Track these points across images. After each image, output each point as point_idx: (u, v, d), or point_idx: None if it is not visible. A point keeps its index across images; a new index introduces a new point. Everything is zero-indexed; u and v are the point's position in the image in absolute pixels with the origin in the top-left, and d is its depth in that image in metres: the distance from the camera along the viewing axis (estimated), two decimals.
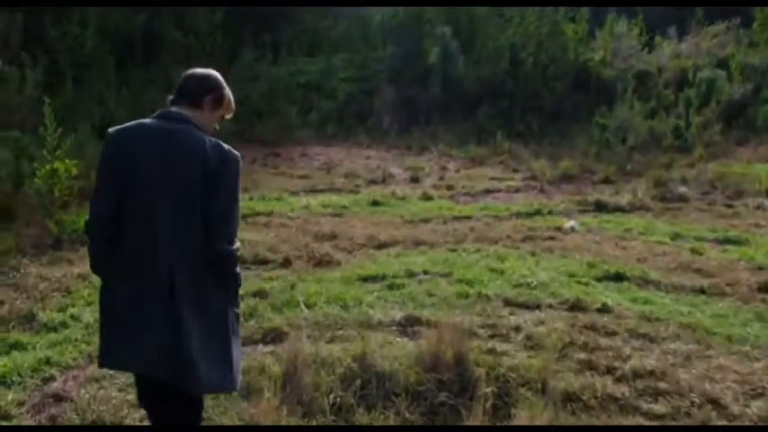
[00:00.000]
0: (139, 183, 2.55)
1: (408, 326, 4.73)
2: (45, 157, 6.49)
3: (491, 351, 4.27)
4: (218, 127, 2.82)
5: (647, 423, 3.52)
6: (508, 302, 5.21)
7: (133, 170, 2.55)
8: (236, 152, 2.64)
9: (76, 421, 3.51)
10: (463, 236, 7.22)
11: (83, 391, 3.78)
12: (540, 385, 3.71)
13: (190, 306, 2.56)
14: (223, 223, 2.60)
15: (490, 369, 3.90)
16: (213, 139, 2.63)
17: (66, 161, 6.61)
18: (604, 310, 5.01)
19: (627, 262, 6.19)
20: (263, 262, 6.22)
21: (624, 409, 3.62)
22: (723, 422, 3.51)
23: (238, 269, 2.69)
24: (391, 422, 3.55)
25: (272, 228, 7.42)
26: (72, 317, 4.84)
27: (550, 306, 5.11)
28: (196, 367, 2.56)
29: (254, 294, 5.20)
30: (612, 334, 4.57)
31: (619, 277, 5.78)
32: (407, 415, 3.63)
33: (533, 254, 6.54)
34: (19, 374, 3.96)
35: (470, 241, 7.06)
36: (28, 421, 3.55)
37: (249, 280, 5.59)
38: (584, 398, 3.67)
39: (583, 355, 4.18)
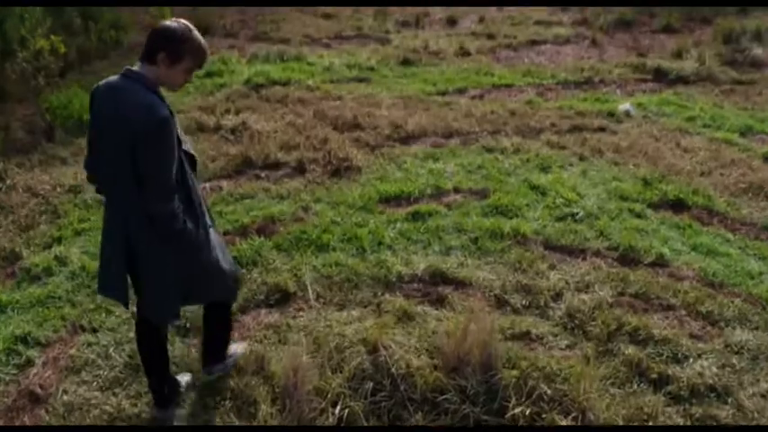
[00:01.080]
0: (96, 138, 2.74)
1: (431, 285, 4.14)
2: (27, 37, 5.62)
3: (524, 336, 3.70)
4: (189, 79, 2.81)
5: None
6: (548, 246, 4.53)
7: (93, 125, 2.74)
8: (162, 113, 2.58)
9: None
10: (502, 124, 6.34)
11: (60, 392, 3.33)
12: (578, 415, 3.16)
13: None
14: (152, 184, 2.63)
15: (521, 380, 3.33)
16: (149, 100, 2.60)
17: (53, 37, 5.74)
18: (660, 263, 4.33)
19: (689, 177, 5.36)
20: (275, 166, 5.52)
21: None
22: None
23: (181, 226, 2.70)
24: None
25: (288, 106, 6.59)
26: (58, 259, 4.32)
27: (598, 253, 4.44)
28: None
29: (259, 231, 4.57)
30: (668, 309, 3.94)
31: (678, 205, 5.00)
32: None
33: (581, 158, 5.71)
34: None
35: (510, 131, 6.20)
36: None
37: (258, 197, 4.97)
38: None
39: (630, 350, 3.58)
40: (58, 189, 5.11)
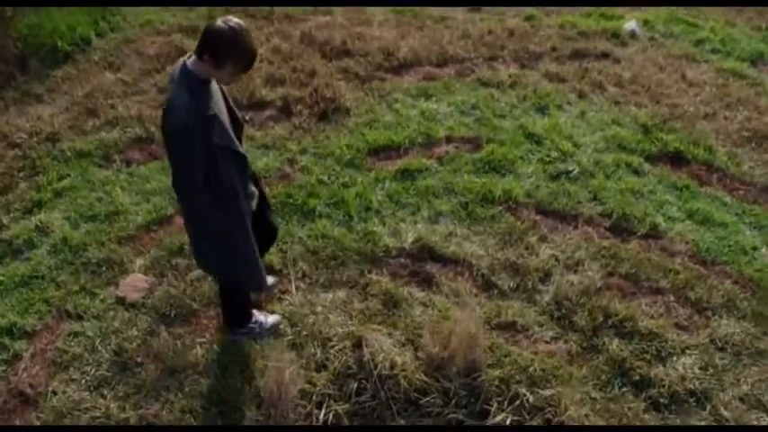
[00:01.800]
0: None
1: (419, 261, 4.09)
2: None
3: (510, 327, 3.71)
4: (237, 79, 3.04)
5: None
6: (540, 210, 4.44)
7: None
8: (182, 120, 2.68)
9: None
10: (499, 47, 5.99)
11: (50, 393, 3.38)
12: (558, 425, 3.23)
13: None
14: (173, 174, 2.85)
15: (504, 384, 3.38)
16: (180, 101, 2.69)
17: None
18: (653, 235, 4.26)
19: (691, 123, 5.15)
20: (260, 105, 5.28)
21: None
22: None
23: (201, 211, 2.90)
24: None
25: (274, 24, 6.19)
26: (39, 229, 4.24)
27: (590, 221, 4.36)
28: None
29: None
30: (656, 293, 3.93)
31: (678, 158, 4.84)
32: None
33: (580, 95, 5.45)
34: None
35: (508, 57, 5.87)
36: None
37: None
38: None
39: (615, 345, 3.60)
40: (35, 138, 4.90)
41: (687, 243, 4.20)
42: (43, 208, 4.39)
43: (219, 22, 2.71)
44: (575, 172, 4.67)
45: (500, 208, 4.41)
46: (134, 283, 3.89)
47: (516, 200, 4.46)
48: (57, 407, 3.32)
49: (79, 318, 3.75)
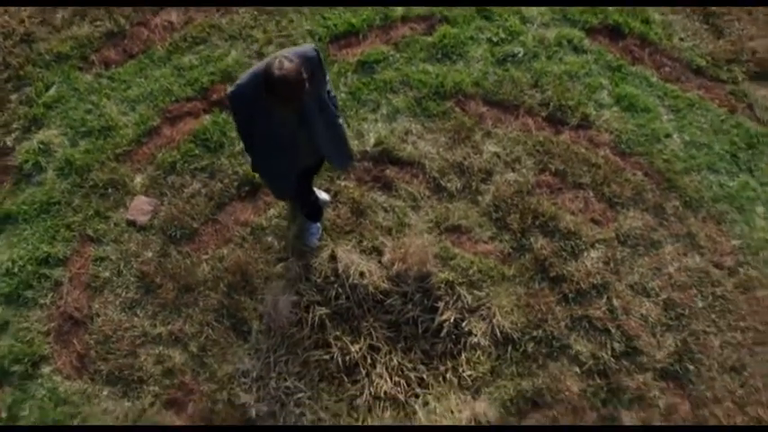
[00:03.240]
0: None
1: (380, 165, 4.78)
2: None
3: (456, 230, 4.59)
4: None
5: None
6: (487, 101, 5.02)
7: None
8: (230, 91, 3.38)
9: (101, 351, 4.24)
10: None
11: (94, 315, 4.35)
12: (488, 323, 4.30)
13: None
14: None
15: (449, 286, 4.38)
16: (243, 77, 3.37)
17: None
18: (583, 125, 4.93)
19: None
20: None
21: (555, 353, 4.30)
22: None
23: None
24: (362, 342, 4.29)
25: None
26: (42, 150, 4.79)
27: (530, 110, 4.96)
28: None
29: (220, 102, 4.93)
30: (579, 188, 4.72)
31: (616, 31, 5.25)
32: (375, 330, 4.33)
33: None
34: (29, 285, 4.41)
35: None
36: (63, 359, 4.27)
37: (211, 41, 5.19)
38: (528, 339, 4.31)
39: (540, 244, 4.53)
40: (10, 40, 5.13)
41: (611, 133, 4.87)
42: (40, 125, 4.86)
43: (276, 70, 3.05)
44: (519, 55, 5.10)
45: (451, 102, 4.95)
46: (140, 207, 4.61)
47: (465, 92, 4.97)
48: (103, 329, 4.29)
49: (100, 242, 4.53)
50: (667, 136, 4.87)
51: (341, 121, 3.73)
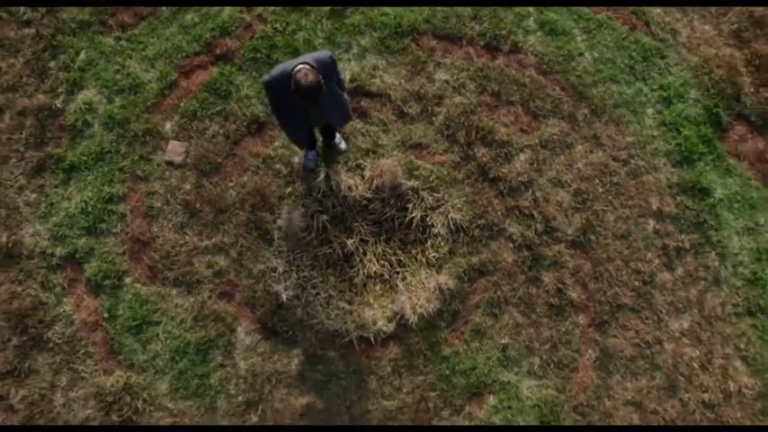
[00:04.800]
0: None
1: (357, 97, 6.09)
2: None
3: (417, 146, 6.05)
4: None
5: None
6: (436, 35, 6.26)
7: None
8: (263, 78, 4.82)
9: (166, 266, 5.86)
10: None
11: (155, 237, 5.92)
12: (445, 217, 5.91)
13: None
14: None
15: (415, 191, 5.92)
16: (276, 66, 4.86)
17: None
18: (513, 50, 6.23)
19: None
20: None
21: (494, 228, 5.93)
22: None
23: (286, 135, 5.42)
24: (354, 237, 5.92)
25: None
26: (87, 109, 6.03)
27: (471, 41, 6.23)
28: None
29: (222, 56, 6.13)
30: (510, 104, 6.12)
31: None
32: (363, 228, 5.95)
33: None
34: (102, 219, 5.90)
35: None
36: (139, 272, 5.89)
37: None
38: (475, 226, 5.92)
39: (482, 152, 6.02)
40: (38, 13, 6.16)
41: (536, 56, 6.18)
42: (80, 86, 6.07)
43: (300, 75, 4.41)
44: None
45: (407, 40, 6.19)
46: (174, 149, 5.99)
47: (418, 29, 6.18)
48: (164, 246, 5.85)
49: (148, 180, 5.95)
50: (580, 54, 6.19)
51: (345, 97, 5.07)
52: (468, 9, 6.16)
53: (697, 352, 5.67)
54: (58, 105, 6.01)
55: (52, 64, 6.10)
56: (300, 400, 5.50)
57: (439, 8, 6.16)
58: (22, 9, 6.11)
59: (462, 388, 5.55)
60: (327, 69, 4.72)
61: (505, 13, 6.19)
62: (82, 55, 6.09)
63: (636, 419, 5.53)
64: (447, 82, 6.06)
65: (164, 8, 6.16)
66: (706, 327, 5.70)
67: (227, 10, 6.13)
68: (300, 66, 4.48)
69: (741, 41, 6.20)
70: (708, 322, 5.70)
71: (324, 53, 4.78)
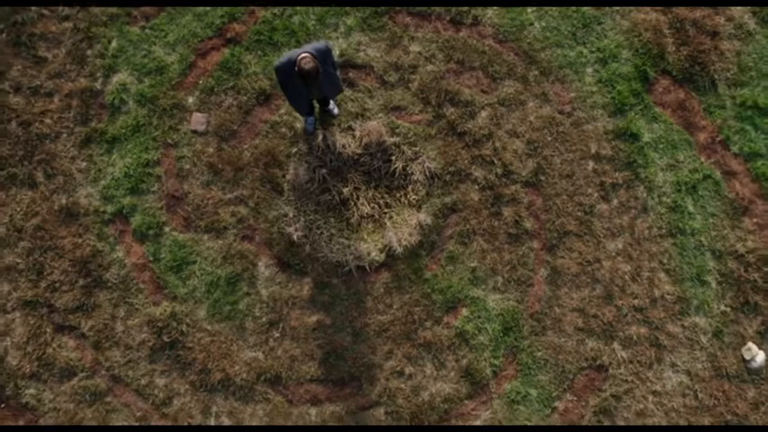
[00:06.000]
0: None
1: (347, 69, 7.37)
2: None
3: (397, 108, 7.36)
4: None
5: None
6: (410, 13, 7.48)
7: None
8: (275, 64, 6.08)
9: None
10: None
11: (186, 193, 7.27)
12: (422, 166, 7.26)
13: None
14: None
15: (396, 146, 7.27)
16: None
17: None
18: (474, 23, 7.45)
19: None
20: None
21: (462, 175, 7.29)
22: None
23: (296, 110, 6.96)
24: (349, 186, 7.30)
25: None
26: (121, 89, 7.29)
27: (439, 16, 7.46)
28: None
29: (232, 40, 7.37)
30: (472, 69, 7.39)
31: None
32: (356, 178, 7.31)
33: None
34: (142, 181, 7.24)
35: None
36: (176, 222, 7.27)
37: None
38: (446, 173, 7.27)
39: (450, 111, 7.33)
40: (74, 9, 7.35)
41: (493, 27, 7.42)
42: (113, 70, 7.31)
43: (303, 60, 5.66)
44: None
45: (386, 18, 7.40)
46: (197, 120, 7.27)
47: (394, 9, 7.39)
48: (194, 200, 7.20)
49: (177, 146, 7.26)
50: (530, 24, 7.41)
51: (338, 75, 6.29)
52: None
53: (629, 267, 7.07)
54: (98, 87, 7.24)
55: (89, 52, 7.30)
56: (312, 318, 6.94)
57: None
58: (60, 7, 7.26)
59: (441, 303, 6.98)
60: (324, 56, 5.97)
61: None
62: (114, 43, 7.28)
63: (580, 323, 6.99)
64: (420, 53, 7.29)
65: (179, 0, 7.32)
66: (636, 246, 7.10)
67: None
68: (303, 54, 5.73)
69: (665, 7, 7.41)
70: (637, 243, 7.10)
71: (321, 43, 6.01)
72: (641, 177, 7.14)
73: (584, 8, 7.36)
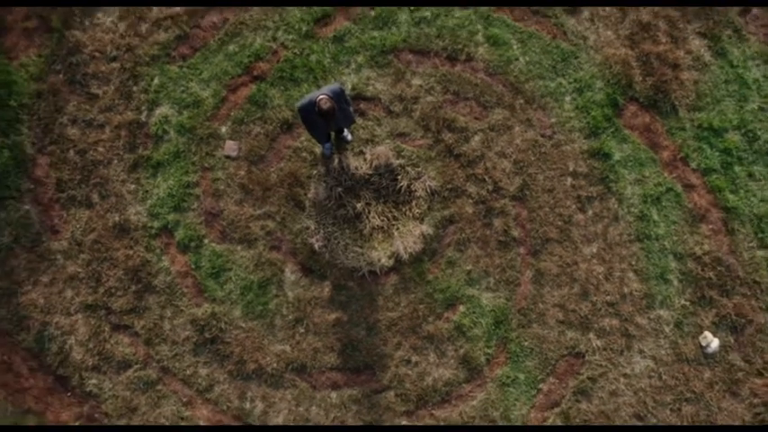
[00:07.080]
0: None
1: (358, 101, 8.57)
2: None
3: (402, 135, 8.55)
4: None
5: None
6: (412, 51, 8.64)
7: None
8: (297, 104, 7.20)
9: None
10: None
11: (222, 212, 8.48)
12: (424, 184, 8.47)
13: None
14: None
15: (402, 167, 8.46)
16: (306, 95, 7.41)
17: None
18: (467, 59, 8.64)
19: None
20: None
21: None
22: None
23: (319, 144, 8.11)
24: (362, 201, 8.52)
25: None
26: (163, 121, 8.47)
27: (437, 53, 8.63)
28: None
29: (258, 77, 8.55)
30: (466, 99, 8.60)
31: None
32: (367, 195, 8.51)
33: None
34: (183, 200, 8.43)
35: None
36: (213, 234, 8.48)
37: (243, 34, 8.62)
38: (445, 189, 8.47)
39: (447, 137, 8.54)
40: (121, 51, 8.51)
41: (484, 62, 8.58)
42: (155, 104, 8.48)
43: (321, 99, 6.77)
44: (428, 17, 8.60)
45: (391, 56, 8.57)
46: (230, 146, 8.45)
47: (398, 48, 8.55)
48: (229, 216, 8.39)
49: (213, 169, 8.44)
50: (516, 59, 8.57)
51: (351, 110, 7.32)
52: (434, 29, 8.49)
53: (602, 268, 8.28)
54: (143, 119, 8.41)
55: (135, 88, 8.46)
56: (332, 315, 8.16)
57: (413, 30, 8.48)
58: (108, 48, 8.41)
59: (441, 301, 8.20)
60: (338, 96, 7.14)
61: (460, 30, 8.52)
62: (156, 80, 8.44)
63: (560, 316, 8.20)
64: (420, 86, 8.45)
65: (211, 42, 8.47)
66: (608, 250, 8.31)
67: (258, 41, 8.47)
68: (321, 96, 6.90)
69: (633, 43, 8.57)
70: (609, 247, 8.31)
71: (335, 85, 7.16)
72: (613, 191, 8.32)
73: (563, 44, 8.51)
